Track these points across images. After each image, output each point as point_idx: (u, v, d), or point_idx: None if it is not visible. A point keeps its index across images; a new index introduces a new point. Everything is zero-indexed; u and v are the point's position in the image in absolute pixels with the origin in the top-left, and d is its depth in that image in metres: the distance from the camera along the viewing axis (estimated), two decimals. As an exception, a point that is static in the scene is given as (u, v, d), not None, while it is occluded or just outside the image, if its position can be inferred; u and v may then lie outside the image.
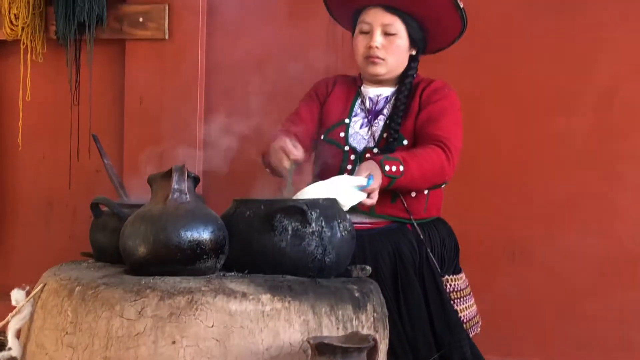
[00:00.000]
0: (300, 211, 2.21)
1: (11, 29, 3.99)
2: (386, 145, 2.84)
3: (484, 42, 3.63)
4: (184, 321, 1.95)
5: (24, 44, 4.01)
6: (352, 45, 2.99)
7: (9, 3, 3.95)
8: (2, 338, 2.47)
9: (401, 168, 2.62)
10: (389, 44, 2.87)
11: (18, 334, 2.25)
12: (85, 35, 3.92)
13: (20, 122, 4.08)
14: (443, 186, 2.88)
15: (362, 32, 2.91)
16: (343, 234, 2.29)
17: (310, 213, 2.22)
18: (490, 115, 3.66)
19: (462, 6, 2.84)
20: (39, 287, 2.22)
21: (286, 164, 2.70)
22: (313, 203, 2.27)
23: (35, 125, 4.13)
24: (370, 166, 2.57)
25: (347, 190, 2.48)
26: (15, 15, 3.96)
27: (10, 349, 2.23)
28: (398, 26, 2.87)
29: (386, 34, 2.87)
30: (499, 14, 3.67)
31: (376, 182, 2.55)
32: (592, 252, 3.55)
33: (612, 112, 3.57)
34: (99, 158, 2.87)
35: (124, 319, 1.97)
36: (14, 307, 2.23)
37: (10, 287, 2.31)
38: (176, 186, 2.18)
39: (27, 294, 2.24)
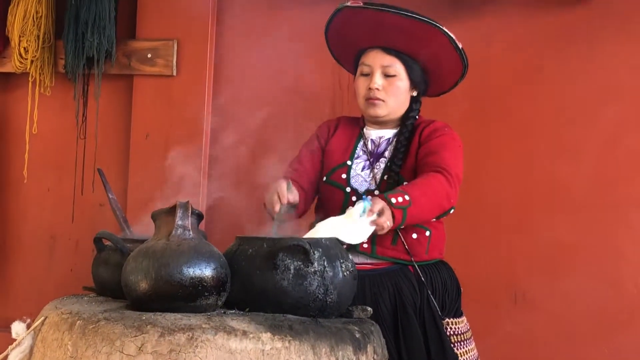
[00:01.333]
0: (302, 250, 2.21)
1: (20, 62, 4.02)
2: (386, 188, 2.83)
3: (490, 87, 3.66)
4: (184, 358, 1.94)
5: (32, 77, 4.04)
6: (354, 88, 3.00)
7: (19, 36, 3.99)
8: (0, 371, 2.46)
9: (407, 197, 2.60)
10: (389, 85, 2.88)
11: (17, 367, 2.25)
12: (93, 70, 3.95)
13: (27, 154, 4.09)
14: (451, 212, 2.81)
15: (363, 74, 2.93)
16: (345, 274, 2.29)
17: (313, 252, 2.22)
18: (495, 158, 3.67)
19: (461, 47, 2.85)
20: (39, 320, 2.21)
21: (277, 207, 2.71)
22: (316, 242, 2.27)
23: (41, 158, 4.14)
24: (377, 201, 2.56)
25: (358, 224, 2.49)
26: (25, 48, 3.99)
27: (9, 382, 2.22)
28: (398, 67, 2.88)
29: (386, 75, 2.88)
30: (506, 59, 3.70)
31: (384, 215, 2.53)
32: (594, 297, 3.54)
33: (616, 158, 3.58)
34: (103, 192, 2.88)
35: (123, 355, 1.96)
36: (14, 340, 2.23)
37: (11, 319, 2.31)
38: (180, 222, 2.19)
39: (28, 326, 2.24)
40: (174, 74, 3.92)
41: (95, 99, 3.99)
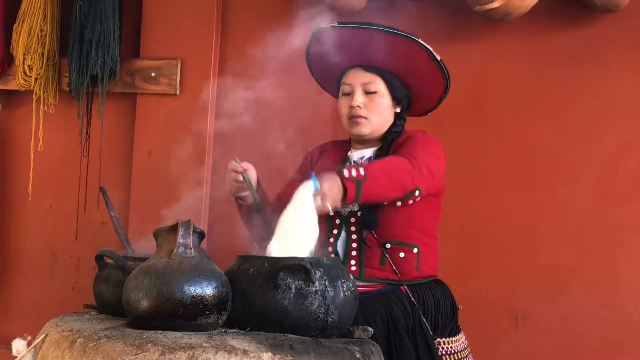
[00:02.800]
0: (304, 270, 2.21)
1: (24, 80, 4.04)
2: (365, 205, 2.78)
3: (490, 107, 3.67)
4: (184, 377, 1.94)
5: (36, 94, 4.06)
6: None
7: (24, 54, 4.01)
8: (1, 388, 2.46)
9: (361, 171, 2.53)
10: (370, 102, 2.85)
11: (17, 385, 2.25)
12: (97, 88, 3.97)
13: (31, 172, 4.11)
14: (416, 194, 2.69)
15: (344, 94, 2.91)
16: (346, 294, 2.29)
17: (314, 272, 2.22)
18: (494, 180, 3.68)
19: (439, 58, 2.82)
20: (40, 338, 2.21)
21: (239, 177, 2.71)
22: (317, 262, 2.27)
23: (43, 176, 4.16)
24: (328, 176, 2.50)
25: (308, 204, 2.44)
26: (29, 66, 4.02)
27: (8, 399, 2.22)
28: (378, 84, 2.85)
29: (367, 92, 2.85)
30: (505, 80, 3.71)
31: (329, 186, 2.47)
32: (594, 319, 3.54)
33: (616, 179, 3.59)
34: (105, 210, 2.88)
35: (124, 373, 1.97)
36: (15, 357, 2.23)
37: (11, 336, 2.31)
38: (181, 240, 2.19)
39: (29, 344, 2.24)
40: (178, 92, 3.94)
41: (99, 117, 4.01)
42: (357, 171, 2.53)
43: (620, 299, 3.55)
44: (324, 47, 2.92)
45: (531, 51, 3.70)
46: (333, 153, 3.03)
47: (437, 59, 2.82)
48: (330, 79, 3.05)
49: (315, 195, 2.46)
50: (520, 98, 3.70)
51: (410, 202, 2.75)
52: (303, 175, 2.94)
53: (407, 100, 2.93)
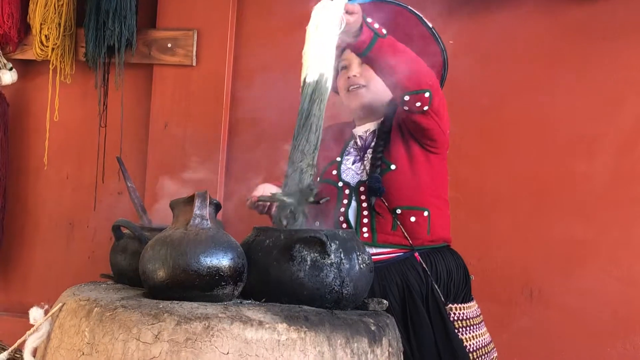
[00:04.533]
0: (319, 242, 2.21)
1: (41, 50, 4.05)
2: (372, 172, 2.82)
3: (507, 82, 3.64)
4: (200, 347, 1.95)
5: (53, 64, 4.07)
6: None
7: (41, 24, 4.01)
8: (18, 356, 2.48)
9: (384, 31, 2.56)
10: (366, 70, 2.87)
11: (34, 353, 2.26)
12: (113, 59, 3.97)
13: (47, 142, 4.12)
14: (424, 105, 2.67)
15: (342, 69, 2.95)
16: (362, 266, 2.29)
17: (330, 244, 2.22)
18: (512, 153, 3.66)
19: (431, 26, 2.81)
20: (57, 307, 2.23)
21: (263, 205, 2.76)
22: (333, 235, 2.27)
23: (60, 146, 4.17)
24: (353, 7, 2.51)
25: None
26: (46, 36, 4.02)
27: (26, 367, 2.24)
28: None
29: (362, 63, 2.87)
30: (523, 53, 3.68)
31: (360, 10, 2.49)
32: (610, 294, 3.54)
33: (633, 154, 3.57)
34: (122, 180, 2.89)
35: (140, 342, 1.98)
36: (32, 326, 2.24)
37: (29, 305, 2.32)
38: (198, 212, 2.20)
39: (46, 312, 2.25)
40: (194, 64, 3.94)
41: (116, 88, 4.01)
42: (380, 29, 2.55)
43: (636, 274, 3.54)
44: None
45: (548, 26, 3.66)
46: (335, 134, 3.04)
47: (429, 26, 2.82)
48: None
49: (348, 8, 2.46)
50: (537, 73, 3.67)
51: (417, 105, 2.68)
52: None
53: None
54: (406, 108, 2.71)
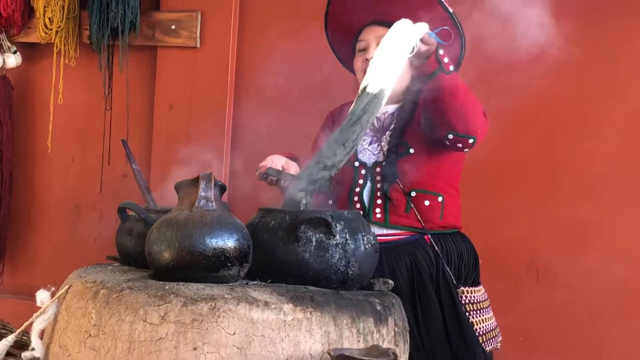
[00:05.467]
0: (324, 223, 2.21)
1: (45, 32, 4.04)
2: (389, 154, 2.83)
3: (514, 62, 3.62)
4: (206, 328, 1.95)
5: (57, 47, 4.06)
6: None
7: (44, 7, 4.00)
8: (25, 338, 2.49)
9: (451, 68, 2.61)
10: None
11: (41, 335, 2.27)
12: (117, 41, 3.96)
13: (51, 124, 4.12)
14: (466, 147, 2.75)
15: (360, 51, 2.94)
16: (367, 247, 2.30)
17: (335, 225, 2.22)
18: (518, 134, 3.65)
19: (452, 11, 2.81)
20: (64, 289, 2.24)
21: (272, 178, 2.75)
22: (338, 215, 2.27)
23: (65, 129, 4.17)
24: (429, 41, 2.57)
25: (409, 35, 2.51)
26: (49, 18, 4.01)
27: (33, 349, 2.25)
28: None
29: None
30: (530, 34, 3.66)
31: (435, 42, 2.55)
32: (617, 274, 3.53)
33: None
34: (127, 163, 2.89)
35: (146, 323, 1.98)
36: (39, 308, 2.25)
37: (35, 287, 2.33)
38: (203, 193, 2.20)
39: (52, 295, 2.26)
40: (198, 45, 3.93)
41: (120, 70, 4.01)
42: (448, 65, 2.60)
43: (643, 252, 3.54)
44: (340, 7, 2.96)
45: (554, 5, 3.64)
46: None
47: (449, 11, 2.80)
48: (347, 45, 3.04)
49: (424, 38, 2.53)
50: (545, 52, 3.64)
51: (458, 145, 2.75)
52: (323, 139, 2.99)
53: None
54: (447, 143, 2.75)
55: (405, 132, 2.84)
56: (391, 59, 2.48)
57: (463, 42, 2.90)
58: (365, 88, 2.47)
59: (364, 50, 2.91)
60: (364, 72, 2.86)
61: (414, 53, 2.52)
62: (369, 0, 2.86)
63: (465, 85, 2.68)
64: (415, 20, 2.66)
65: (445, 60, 2.61)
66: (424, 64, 2.62)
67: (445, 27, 2.61)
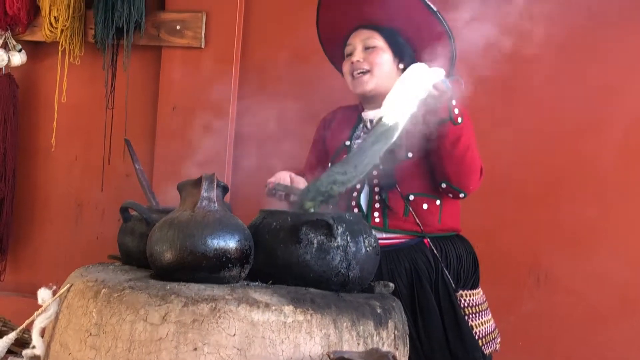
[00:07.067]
0: (326, 225, 2.22)
1: (50, 31, 4.05)
2: (387, 158, 2.80)
3: (516, 64, 3.62)
4: (207, 328, 1.96)
5: (62, 46, 4.07)
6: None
7: (50, 5, 4.01)
8: (26, 336, 2.50)
9: (460, 120, 2.65)
10: (369, 55, 2.89)
11: (42, 333, 2.28)
12: (122, 40, 3.97)
13: (55, 123, 4.13)
14: (456, 198, 2.86)
15: (347, 55, 2.96)
16: (368, 249, 2.30)
17: (336, 227, 2.23)
18: (519, 136, 3.65)
19: (435, 9, 2.82)
20: (65, 288, 2.24)
21: (280, 194, 2.78)
22: (339, 217, 2.28)
23: (69, 127, 4.18)
24: (445, 93, 2.60)
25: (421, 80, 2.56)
26: (55, 17, 4.02)
27: (34, 347, 2.25)
28: (377, 39, 2.89)
29: (367, 48, 2.90)
30: (532, 35, 3.66)
31: (448, 90, 2.58)
32: (618, 278, 3.53)
33: (641, 136, 3.56)
34: (130, 162, 2.90)
35: (147, 323, 1.99)
36: (40, 306, 2.26)
37: (37, 285, 2.33)
38: (205, 194, 2.20)
39: (54, 293, 2.27)
40: (202, 46, 3.93)
41: (124, 70, 4.01)
42: (457, 116, 2.65)
43: (645, 257, 3.54)
44: (328, 13, 3.00)
45: (559, 7, 3.64)
46: (344, 117, 3.07)
47: (432, 9, 2.82)
48: (338, 48, 3.06)
49: (437, 84, 2.56)
50: (546, 53, 3.65)
51: (449, 195, 2.84)
52: (319, 145, 3.06)
53: (411, 58, 2.91)
54: (440, 189, 2.83)
55: (402, 136, 2.84)
56: (406, 96, 2.53)
57: (452, 41, 2.90)
58: (382, 118, 2.51)
59: (351, 54, 2.93)
60: (352, 75, 2.89)
61: (425, 96, 2.56)
62: (355, 5, 2.90)
63: (470, 140, 2.73)
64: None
65: (456, 111, 2.65)
66: (436, 109, 2.63)
67: (459, 77, 2.65)
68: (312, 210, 2.40)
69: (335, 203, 2.51)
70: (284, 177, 2.81)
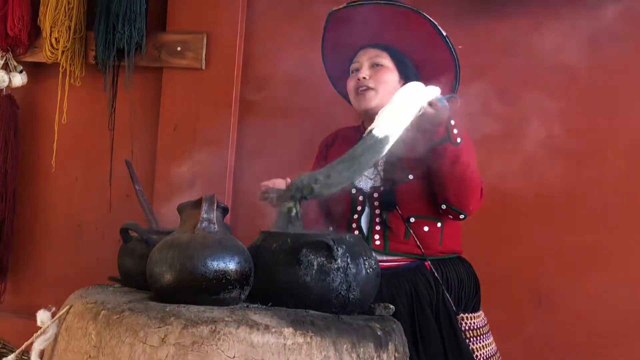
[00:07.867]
0: (326, 246, 2.21)
1: (51, 52, 4.06)
2: (387, 180, 2.83)
3: (516, 83, 3.63)
4: (206, 351, 1.95)
5: (62, 67, 4.07)
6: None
7: (51, 27, 4.02)
8: (25, 358, 2.49)
9: (459, 140, 2.65)
10: (376, 73, 2.89)
11: (41, 355, 2.27)
12: (123, 62, 3.98)
13: (55, 144, 4.13)
14: (456, 219, 2.84)
15: (353, 72, 2.97)
16: (368, 271, 2.29)
17: (337, 249, 2.22)
18: (520, 157, 3.64)
19: (445, 34, 2.83)
20: (64, 309, 2.23)
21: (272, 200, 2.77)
22: (339, 239, 2.27)
23: (69, 148, 4.18)
24: (443, 112, 2.59)
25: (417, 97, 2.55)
26: (56, 39, 4.03)
27: (33, 369, 2.25)
28: (384, 58, 2.91)
29: (374, 65, 2.91)
30: (534, 56, 3.67)
31: (444, 108, 2.57)
32: (619, 300, 3.52)
33: (642, 158, 3.55)
34: (130, 183, 2.90)
35: (146, 345, 1.98)
36: (39, 328, 2.25)
37: (37, 307, 2.33)
38: (205, 215, 2.20)
39: (53, 315, 2.26)
40: (203, 67, 3.94)
41: (125, 91, 4.02)
42: (456, 136, 2.65)
43: (645, 280, 3.53)
44: (336, 31, 3.00)
45: (562, 29, 3.65)
46: (346, 138, 3.05)
47: (442, 33, 2.84)
48: (342, 67, 3.07)
49: (431, 101, 2.55)
50: (548, 73, 3.65)
51: (449, 216, 2.82)
52: (321, 164, 3.01)
53: (416, 78, 2.89)
54: (440, 210, 2.81)
55: (402, 158, 2.83)
56: (399, 112, 2.51)
57: (457, 66, 2.91)
58: (372, 130, 2.50)
59: (357, 70, 2.94)
60: (356, 91, 2.89)
61: (420, 113, 2.55)
62: (364, 24, 2.90)
63: (469, 160, 2.72)
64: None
65: (455, 131, 2.65)
66: (434, 129, 2.64)
67: (455, 95, 2.66)
68: (294, 210, 2.40)
69: (316, 196, 2.48)
70: (278, 183, 2.81)
